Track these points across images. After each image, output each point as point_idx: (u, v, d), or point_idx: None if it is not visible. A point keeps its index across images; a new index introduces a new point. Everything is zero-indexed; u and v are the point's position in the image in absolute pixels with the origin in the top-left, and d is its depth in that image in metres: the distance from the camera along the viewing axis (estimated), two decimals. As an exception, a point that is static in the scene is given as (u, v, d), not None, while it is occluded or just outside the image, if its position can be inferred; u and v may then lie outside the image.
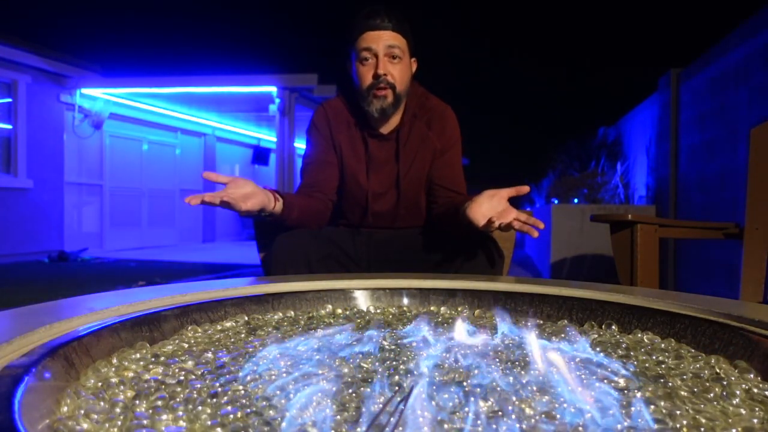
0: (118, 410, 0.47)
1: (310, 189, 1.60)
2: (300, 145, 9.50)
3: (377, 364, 0.62)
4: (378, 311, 0.95)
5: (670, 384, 0.56)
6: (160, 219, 9.83)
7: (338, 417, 0.45)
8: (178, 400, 0.50)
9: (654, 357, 0.66)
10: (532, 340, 0.62)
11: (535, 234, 1.26)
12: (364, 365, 0.61)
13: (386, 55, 1.51)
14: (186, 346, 0.71)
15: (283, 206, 1.44)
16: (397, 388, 0.51)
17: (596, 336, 0.77)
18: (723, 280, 3.75)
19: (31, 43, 7.10)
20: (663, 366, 0.63)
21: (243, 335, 0.77)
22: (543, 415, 0.45)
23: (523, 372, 0.56)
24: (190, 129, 10.24)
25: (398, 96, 1.55)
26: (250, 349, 0.68)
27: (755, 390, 0.55)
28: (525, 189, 1.33)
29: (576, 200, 6.12)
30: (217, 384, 0.54)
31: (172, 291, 0.87)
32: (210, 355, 0.65)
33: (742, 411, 0.50)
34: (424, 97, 1.67)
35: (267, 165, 11.96)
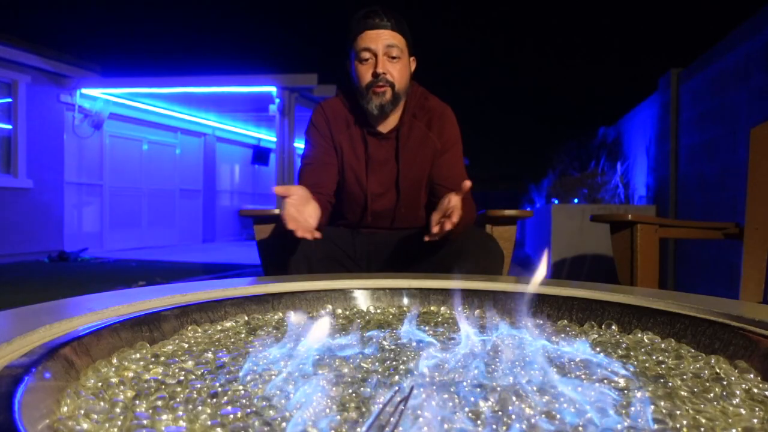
0: (118, 410, 0.47)
1: (311, 190, 1.60)
2: (300, 145, 9.50)
3: (377, 364, 0.62)
4: (378, 311, 0.95)
5: (670, 384, 0.56)
6: (160, 219, 9.82)
7: (338, 417, 0.45)
8: (178, 400, 0.50)
9: (654, 357, 0.66)
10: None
11: (447, 225, 1.25)
12: (364, 365, 0.61)
13: (385, 54, 1.52)
14: (186, 346, 0.71)
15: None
16: (397, 388, 0.51)
17: (596, 336, 0.77)
18: (723, 280, 3.75)
19: (31, 43, 7.10)
20: (663, 366, 0.63)
21: (243, 335, 0.77)
22: (543, 415, 0.45)
23: (523, 372, 0.56)
24: (190, 129, 10.23)
25: (397, 94, 1.55)
26: (250, 349, 0.68)
27: (755, 390, 0.55)
28: (467, 185, 1.31)
29: (576, 200, 6.11)
30: (217, 384, 0.54)
31: (172, 291, 0.87)
32: (210, 355, 0.65)
33: (742, 411, 0.50)
34: (423, 97, 1.67)
35: (267, 165, 11.96)
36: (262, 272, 1.61)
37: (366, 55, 1.52)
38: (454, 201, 1.30)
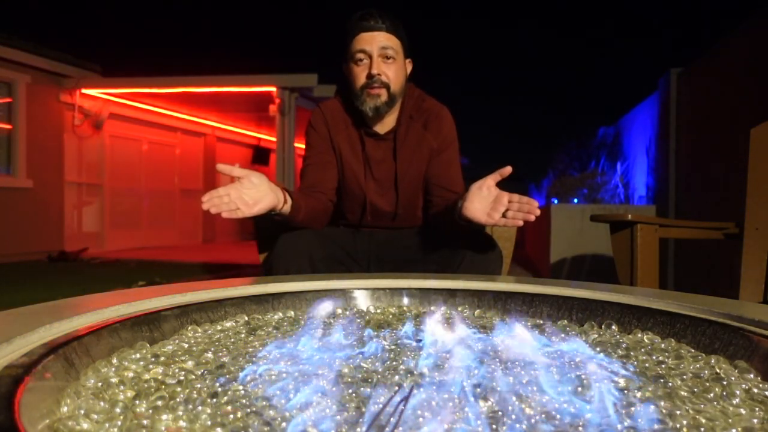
0: (118, 410, 0.47)
1: (311, 190, 1.61)
2: (300, 145, 9.49)
3: (377, 364, 0.61)
4: (378, 311, 0.95)
5: (670, 384, 0.56)
6: (160, 219, 9.81)
7: (338, 417, 0.45)
8: (178, 400, 0.50)
9: (654, 357, 0.66)
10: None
11: (531, 218, 1.23)
12: (364, 365, 0.61)
13: (380, 56, 1.53)
14: (186, 346, 0.70)
15: (291, 208, 1.44)
16: (397, 388, 0.51)
17: (596, 336, 0.77)
18: (723, 280, 3.75)
19: (31, 43, 7.09)
20: (663, 366, 0.63)
21: (243, 335, 0.77)
22: (543, 415, 0.45)
23: (523, 372, 0.56)
24: (190, 129, 10.23)
25: (392, 95, 1.56)
26: (250, 349, 0.68)
27: (755, 390, 0.55)
28: (507, 170, 1.31)
29: (576, 200, 6.11)
30: (217, 384, 0.54)
31: (172, 291, 0.87)
32: (210, 355, 0.65)
33: (742, 411, 0.50)
34: (420, 98, 1.68)
35: (267, 165, 11.96)
36: (262, 272, 1.61)
37: (361, 56, 1.54)
38: (494, 189, 1.29)
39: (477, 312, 0.94)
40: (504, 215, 1.26)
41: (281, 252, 1.44)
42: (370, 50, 1.52)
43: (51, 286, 4.73)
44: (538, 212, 1.23)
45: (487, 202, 1.30)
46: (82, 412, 0.46)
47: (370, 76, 1.53)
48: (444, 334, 0.72)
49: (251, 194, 1.30)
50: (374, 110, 1.56)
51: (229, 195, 1.26)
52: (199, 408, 0.48)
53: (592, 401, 0.48)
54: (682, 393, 0.53)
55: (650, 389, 0.53)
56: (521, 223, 1.25)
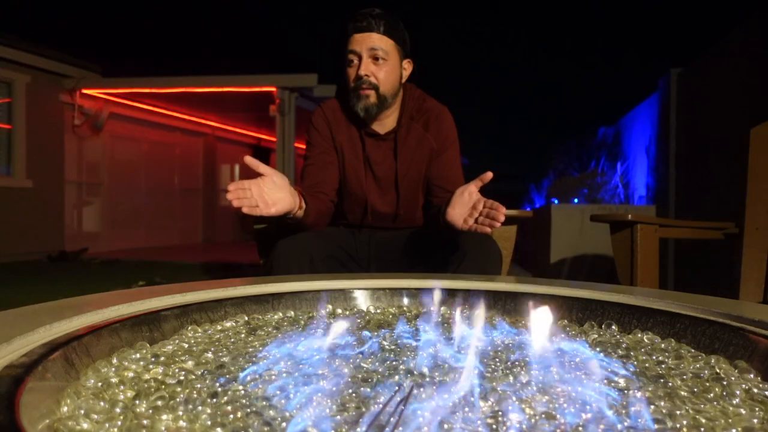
0: (118, 410, 0.47)
1: (312, 190, 1.61)
2: (300, 145, 9.49)
3: (377, 364, 0.61)
4: (378, 311, 0.95)
5: (670, 384, 0.56)
6: (160, 219, 9.81)
7: (338, 417, 0.45)
8: (178, 400, 0.50)
9: (654, 357, 0.66)
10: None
11: (497, 225, 1.24)
12: (364, 365, 0.61)
13: (369, 57, 1.54)
14: (186, 346, 0.70)
15: (304, 211, 1.45)
16: (397, 388, 0.51)
17: (596, 336, 0.77)
18: (723, 280, 3.74)
19: (31, 43, 7.09)
20: (663, 366, 0.63)
21: (243, 335, 0.77)
22: (543, 415, 0.45)
23: (523, 372, 0.56)
24: (190, 129, 10.23)
25: (382, 97, 1.56)
26: (250, 349, 0.68)
27: (755, 390, 0.55)
28: (488, 176, 1.32)
29: (576, 200, 6.11)
30: (217, 384, 0.54)
31: (172, 291, 0.87)
32: (210, 355, 0.65)
33: (742, 411, 0.50)
34: (421, 99, 1.68)
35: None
36: (262, 272, 1.61)
37: (351, 57, 1.55)
38: (475, 194, 1.30)
39: (476, 312, 0.94)
40: (476, 221, 1.27)
41: (281, 252, 1.44)
42: (360, 51, 1.53)
43: (51, 286, 4.73)
44: (502, 219, 1.23)
45: (467, 207, 1.31)
46: (82, 412, 0.46)
47: (358, 78, 1.54)
48: (444, 334, 0.72)
49: (272, 194, 1.30)
50: (364, 111, 1.56)
51: (251, 190, 1.26)
52: (199, 408, 0.48)
53: (593, 401, 0.48)
54: (682, 393, 0.53)
55: (650, 389, 0.53)
56: (488, 230, 1.26)
